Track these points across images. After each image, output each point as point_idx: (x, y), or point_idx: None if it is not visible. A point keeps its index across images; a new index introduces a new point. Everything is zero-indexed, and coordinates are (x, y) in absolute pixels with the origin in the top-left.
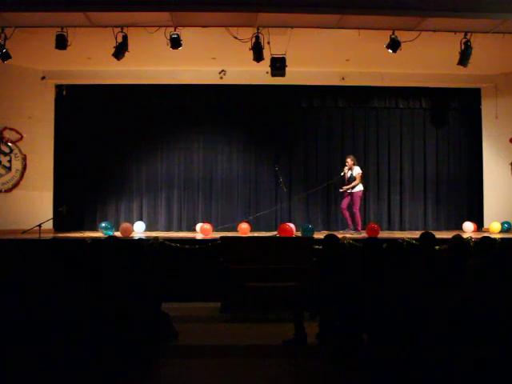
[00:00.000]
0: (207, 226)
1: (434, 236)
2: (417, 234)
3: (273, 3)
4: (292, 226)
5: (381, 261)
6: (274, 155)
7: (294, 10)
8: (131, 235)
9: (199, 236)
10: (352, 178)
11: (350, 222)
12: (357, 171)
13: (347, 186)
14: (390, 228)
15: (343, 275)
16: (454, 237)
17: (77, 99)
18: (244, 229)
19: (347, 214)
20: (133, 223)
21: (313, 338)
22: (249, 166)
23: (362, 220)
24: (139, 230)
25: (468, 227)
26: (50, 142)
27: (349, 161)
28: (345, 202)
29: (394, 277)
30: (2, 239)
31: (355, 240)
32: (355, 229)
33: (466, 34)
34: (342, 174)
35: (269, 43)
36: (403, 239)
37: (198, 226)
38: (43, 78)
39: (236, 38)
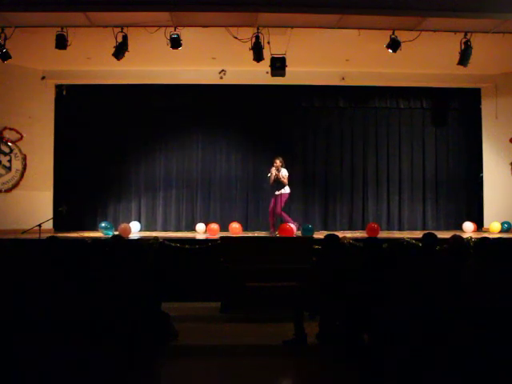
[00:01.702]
0: (215, 226)
1: (436, 236)
2: (416, 234)
3: (273, 3)
4: (292, 225)
5: (381, 261)
6: (273, 155)
7: (294, 10)
8: (129, 235)
9: (200, 236)
10: (278, 180)
11: (272, 224)
12: (283, 174)
13: (282, 192)
14: (389, 228)
15: (343, 275)
16: (453, 237)
17: (77, 99)
18: (235, 229)
19: (272, 216)
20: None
21: (313, 338)
22: (248, 166)
23: (293, 221)
24: (135, 229)
25: (468, 227)
26: (50, 141)
27: (277, 162)
28: (271, 205)
29: (394, 277)
30: (1, 239)
31: (355, 240)
32: (272, 230)
33: (466, 34)
34: (269, 174)
35: (269, 43)
36: (403, 239)
37: (203, 226)
38: (43, 78)
39: (236, 38)
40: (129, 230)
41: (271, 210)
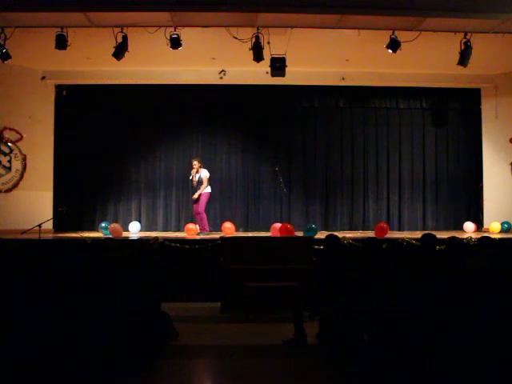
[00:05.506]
0: (192, 226)
1: (435, 237)
2: (416, 234)
3: (273, 3)
4: (202, 228)
5: (381, 261)
6: (273, 155)
7: (294, 10)
8: (122, 235)
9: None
10: (200, 181)
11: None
12: (204, 174)
13: (198, 192)
14: (389, 228)
15: (343, 275)
16: (451, 238)
17: (77, 99)
18: (228, 228)
19: (199, 217)
20: (131, 223)
21: (313, 338)
22: (248, 166)
23: (208, 221)
24: (135, 230)
25: (469, 227)
26: (50, 142)
27: (196, 163)
28: (196, 206)
29: (394, 277)
30: (1, 239)
31: (355, 240)
32: (203, 230)
33: (465, 34)
34: (191, 177)
35: (269, 43)
36: (403, 239)
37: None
38: (43, 78)
39: (236, 38)
40: (120, 231)
41: (196, 211)
